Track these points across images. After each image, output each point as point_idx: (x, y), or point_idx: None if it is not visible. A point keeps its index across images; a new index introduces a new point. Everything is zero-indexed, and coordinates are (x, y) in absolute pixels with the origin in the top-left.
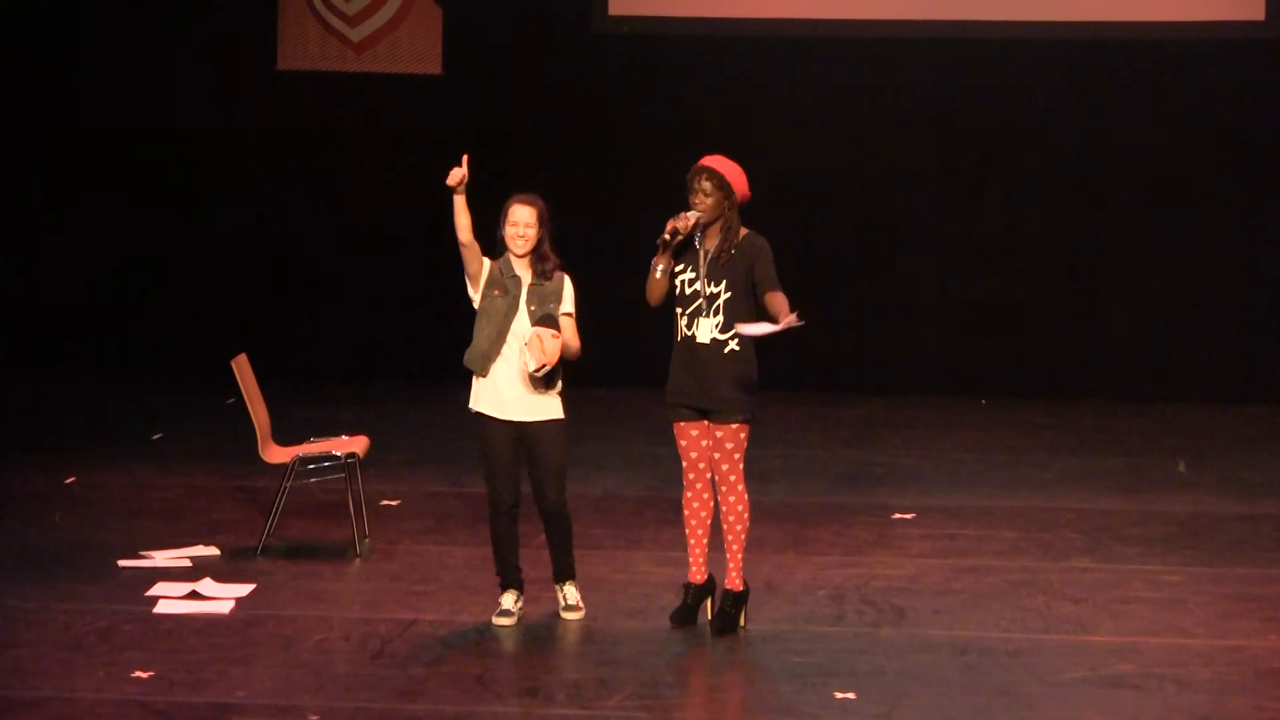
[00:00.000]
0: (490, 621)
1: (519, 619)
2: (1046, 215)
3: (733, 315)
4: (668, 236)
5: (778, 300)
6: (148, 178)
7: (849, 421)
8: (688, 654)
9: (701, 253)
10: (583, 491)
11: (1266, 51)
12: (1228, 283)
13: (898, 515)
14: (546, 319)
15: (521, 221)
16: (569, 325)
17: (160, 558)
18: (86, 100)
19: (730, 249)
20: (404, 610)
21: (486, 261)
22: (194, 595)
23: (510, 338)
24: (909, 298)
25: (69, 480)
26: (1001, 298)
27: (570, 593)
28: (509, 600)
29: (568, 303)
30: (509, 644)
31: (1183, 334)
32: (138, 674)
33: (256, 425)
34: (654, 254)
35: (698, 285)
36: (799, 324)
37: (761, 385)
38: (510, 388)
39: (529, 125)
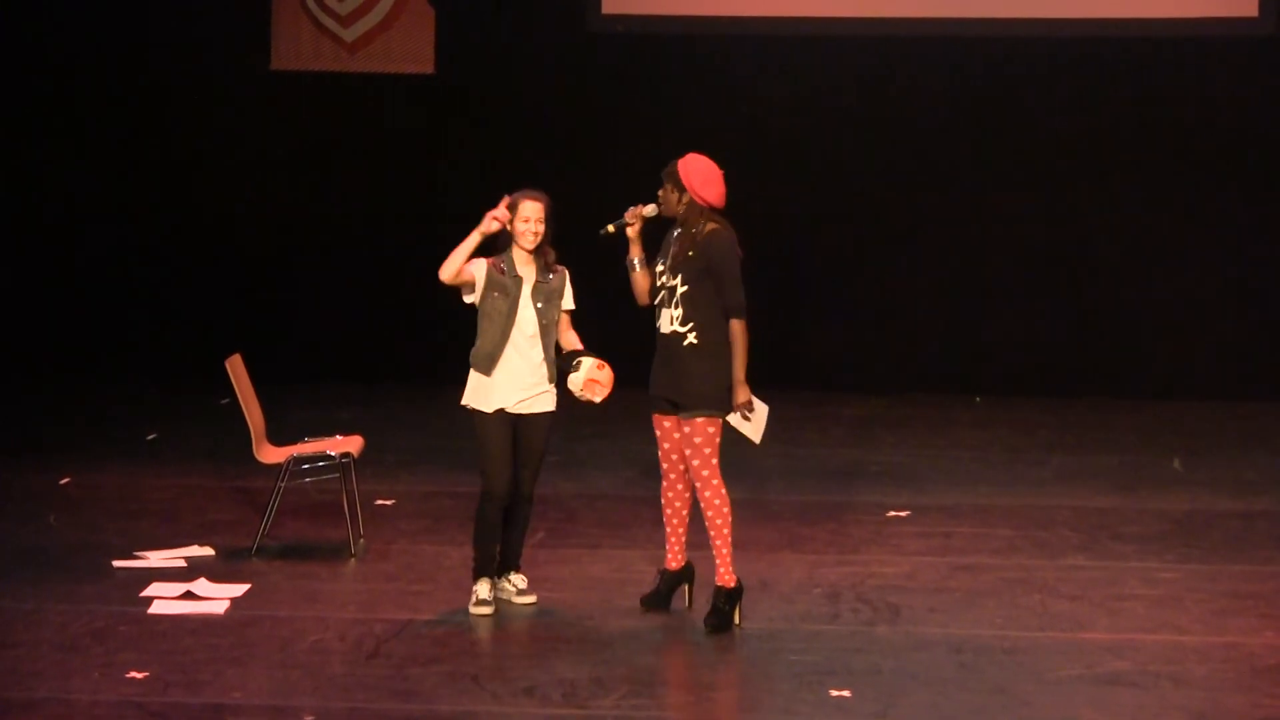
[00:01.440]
0: (469, 612)
1: (496, 607)
2: (1042, 213)
3: (690, 310)
4: (611, 228)
5: (735, 370)
6: (142, 177)
7: (845, 420)
8: (683, 653)
9: (672, 248)
10: (580, 490)
11: (1260, 48)
12: (1223, 280)
13: (893, 513)
14: (572, 357)
15: (533, 217)
16: (567, 320)
17: (155, 558)
18: (79, 101)
19: (689, 248)
20: (399, 610)
21: (482, 264)
22: (189, 596)
23: (515, 335)
24: (905, 296)
25: (64, 481)
26: (998, 296)
27: (519, 579)
28: (485, 589)
29: (569, 299)
30: (505, 644)
31: (1179, 332)
32: (133, 675)
33: (251, 425)
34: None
35: (664, 278)
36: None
37: (757, 383)
38: (511, 384)
39: (522, 125)
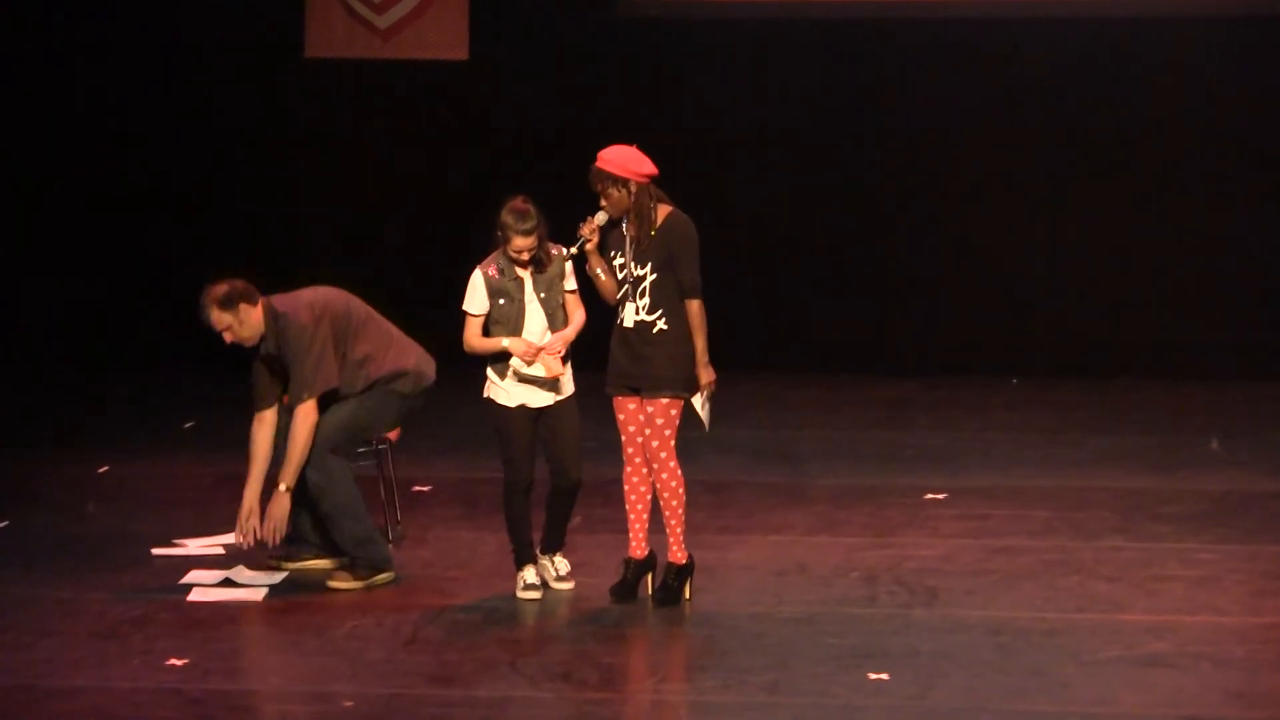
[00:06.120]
0: (517, 598)
1: (543, 591)
2: (1075, 195)
3: (659, 296)
4: (574, 250)
5: (699, 352)
6: (175, 166)
7: (880, 403)
8: (720, 637)
9: (628, 239)
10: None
11: (1273, 29)
12: (1259, 258)
13: (930, 496)
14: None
15: (525, 249)
16: (574, 300)
17: (193, 546)
18: (111, 88)
19: (650, 231)
20: (436, 596)
21: (478, 277)
22: (227, 583)
23: (525, 335)
24: (940, 278)
25: (102, 470)
26: (1032, 277)
27: (562, 564)
28: (531, 574)
29: (570, 280)
30: (541, 629)
31: (1215, 311)
32: (173, 662)
33: None
34: (582, 262)
35: (629, 270)
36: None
37: (792, 368)
38: (530, 382)
39: (555, 110)
